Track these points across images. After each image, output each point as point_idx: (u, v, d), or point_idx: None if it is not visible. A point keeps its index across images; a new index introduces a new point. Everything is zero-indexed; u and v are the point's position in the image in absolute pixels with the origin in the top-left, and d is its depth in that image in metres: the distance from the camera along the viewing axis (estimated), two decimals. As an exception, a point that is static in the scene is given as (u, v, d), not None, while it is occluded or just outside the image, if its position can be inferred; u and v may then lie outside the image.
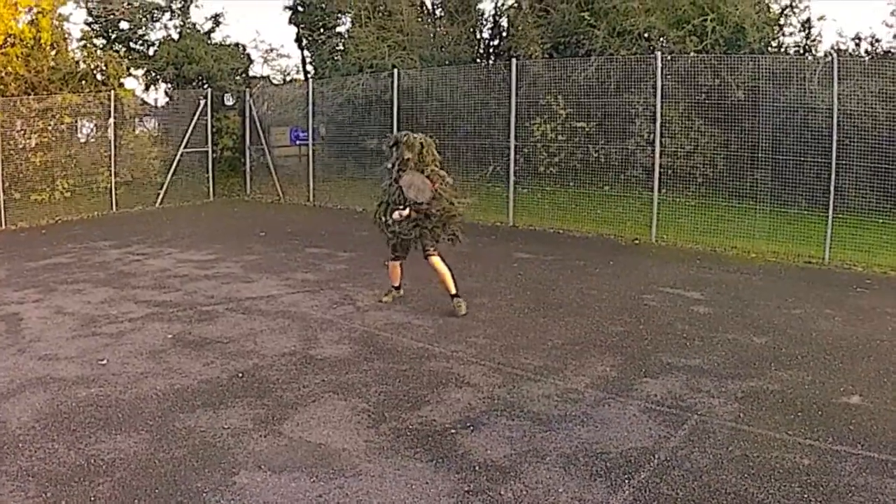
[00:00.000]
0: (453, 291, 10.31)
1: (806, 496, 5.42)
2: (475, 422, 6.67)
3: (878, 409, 7.10)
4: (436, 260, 10.29)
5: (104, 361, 8.11)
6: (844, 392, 7.51)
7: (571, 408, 7.04)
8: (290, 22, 30.32)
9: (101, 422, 6.53)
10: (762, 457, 6.04)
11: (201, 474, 5.62)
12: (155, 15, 26.76)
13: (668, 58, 17.31)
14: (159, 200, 21.61)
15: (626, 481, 5.60)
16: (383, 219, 10.37)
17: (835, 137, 14.17)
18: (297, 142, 25.45)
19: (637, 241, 16.01)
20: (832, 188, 14.16)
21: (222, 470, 5.69)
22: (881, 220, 14.67)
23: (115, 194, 20.45)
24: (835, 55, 15.82)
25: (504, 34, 27.16)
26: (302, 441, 6.23)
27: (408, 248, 10.52)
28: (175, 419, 6.62)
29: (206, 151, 22.98)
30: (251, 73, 28.10)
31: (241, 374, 7.79)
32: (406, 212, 9.98)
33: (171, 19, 27.15)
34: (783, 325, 9.85)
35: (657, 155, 16.24)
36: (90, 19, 25.88)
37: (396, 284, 10.91)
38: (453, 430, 6.47)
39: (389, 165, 10.32)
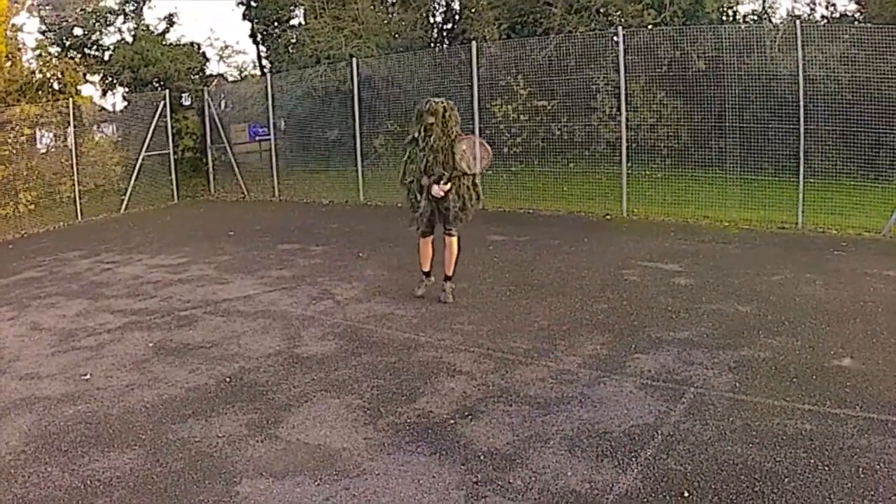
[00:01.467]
0: (450, 273, 10.20)
1: (813, 461, 5.42)
2: (473, 410, 6.61)
3: (870, 370, 7.13)
4: (455, 240, 10.17)
5: (87, 376, 7.93)
6: (836, 355, 7.54)
7: (567, 389, 7.01)
8: (243, 18, 30.19)
9: (93, 440, 6.37)
10: (764, 425, 6.04)
11: (202, 486, 5.49)
12: (108, 19, 26.44)
13: (627, 32, 17.27)
14: (124, 206, 21.37)
15: (633, 459, 5.58)
16: (419, 196, 9.99)
17: (801, 103, 14.23)
18: (256, 138, 25.34)
19: (608, 217, 16.04)
20: (801, 153, 14.23)
21: (223, 480, 5.57)
22: (851, 183, 14.77)
23: (80, 203, 20.19)
24: (797, 21, 15.83)
25: (458, 17, 27.11)
26: (300, 443, 6.13)
27: (434, 224, 10.19)
28: (167, 431, 6.48)
29: (168, 153, 22.73)
30: (207, 72, 27.90)
31: (228, 379, 7.66)
32: (448, 186, 9.69)
33: (124, 22, 26.86)
34: (766, 293, 9.89)
35: (624, 129, 16.26)
36: (44, 28, 25.59)
37: (427, 269, 10.46)
38: (452, 421, 6.41)
39: (416, 134, 9.84)
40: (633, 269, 11.49)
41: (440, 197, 9.75)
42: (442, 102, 9.74)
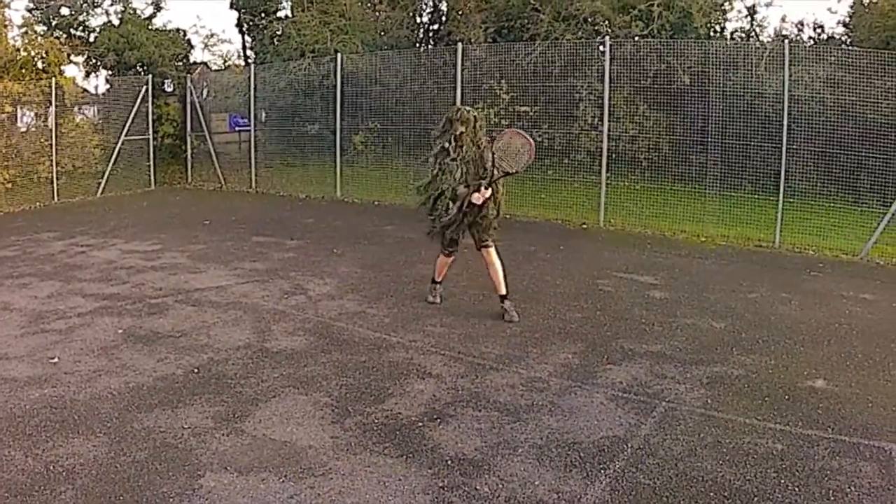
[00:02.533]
0: (505, 291, 9.54)
1: (783, 481, 5.40)
2: (442, 414, 6.55)
3: (843, 392, 7.12)
4: (494, 251, 9.54)
5: (55, 360, 7.82)
6: (808, 376, 7.53)
7: (538, 397, 6.95)
8: (231, 6, 30.04)
9: (58, 424, 6.27)
10: (735, 442, 6.01)
11: (166, 478, 5.40)
12: (96, 0, 26.27)
13: (614, 43, 17.26)
14: (101, 190, 21.17)
15: (602, 471, 5.53)
16: (451, 207, 9.11)
17: (785, 122, 14.25)
18: (237, 128, 25.24)
19: (585, 226, 16.01)
20: (782, 172, 14.25)
21: (187, 472, 5.48)
22: (830, 205, 14.81)
23: (57, 184, 19.99)
24: (786, 41, 15.86)
25: (444, 18, 27.10)
26: (266, 439, 6.05)
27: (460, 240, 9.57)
28: (133, 420, 6.38)
29: (147, 139, 22.54)
30: (192, 60, 27.73)
31: (196, 370, 7.57)
32: (489, 192, 8.96)
33: (111, 4, 26.62)
34: (741, 310, 9.88)
35: (605, 139, 16.25)
36: (31, 5, 25.35)
37: (440, 279, 10.10)
38: (420, 423, 6.34)
39: (446, 145, 9.11)
40: (609, 279, 11.45)
41: (479, 205, 9.05)
42: (472, 112, 9.23)
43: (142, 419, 6.40)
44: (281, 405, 6.73)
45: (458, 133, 9.04)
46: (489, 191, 8.95)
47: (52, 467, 5.53)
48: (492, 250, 9.45)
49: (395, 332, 8.83)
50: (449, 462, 5.68)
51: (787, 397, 6.95)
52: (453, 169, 9.08)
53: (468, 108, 9.36)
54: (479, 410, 6.63)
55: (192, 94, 23.73)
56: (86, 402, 6.75)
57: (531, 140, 8.85)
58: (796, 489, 5.30)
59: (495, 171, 8.91)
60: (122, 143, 21.82)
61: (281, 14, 29.15)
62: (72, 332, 8.73)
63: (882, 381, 7.48)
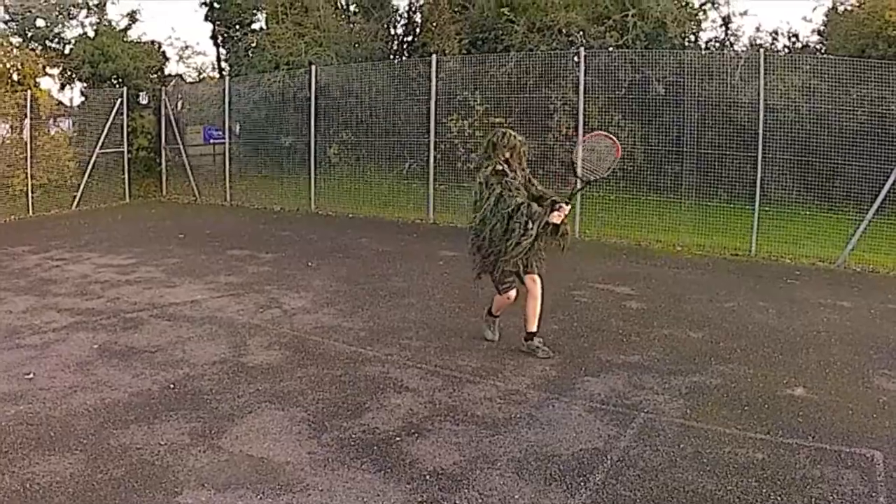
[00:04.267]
0: (534, 329, 8.52)
1: (765, 491, 5.37)
2: (419, 428, 6.48)
3: (823, 400, 7.11)
4: (539, 281, 8.54)
5: (31, 375, 7.71)
6: (788, 384, 7.51)
7: (516, 410, 6.90)
8: (205, 18, 29.99)
9: (34, 441, 6.17)
10: (715, 453, 5.97)
11: (143, 496, 5.32)
12: (72, 12, 26.10)
13: (589, 53, 17.28)
14: (75, 203, 21.03)
15: (582, 484, 5.47)
16: (529, 228, 7.98)
17: (760, 131, 14.29)
18: (211, 140, 25.13)
19: (561, 237, 15.94)
20: (758, 181, 14.28)
21: (164, 490, 5.40)
22: (806, 213, 14.85)
23: (32, 197, 19.86)
24: (760, 50, 15.89)
25: (419, 30, 27.10)
26: (243, 455, 5.96)
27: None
28: (109, 436, 6.28)
29: (122, 152, 22.38)
30: (167, 72, 27.61)
31: (172, 385, 7.48)
32: (568, 207, 8.18)
33: (87, 16, 26.45)
34: (718, 319, 9.87)
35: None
36: (6, 17, 25.18)
37: (500, 314, 9.03)
38: (398, 438, 6.27)
39: (498, 167, 8.10)
40: (584, 290, 11.43)
41: (557, 224, 8.12)
42: (516, 135, 8.25)
43: (118, 436, 6.30)
44: (257, 421, 6.64)
45: (505, 157, 8.13)
46: (569, 206, 8.22)
47: (28, 485, 5.45)
48: (537, 278, 8.48)
49: (370, 346, 8.76)
50: (427, 477, 5.61)
51: (766, 406, 6.93)
52: (518, 186, 8.12)
53: (513, 132, 8.31)
54: (456, 424, 6.57)
55: (166, 106, 23.61)
56: (61, 419, 6.65)
57: (616, 140, 8.30)
58: (778, 498, 5.27)
59: (578, 182, 8.58)
60: (97, 156, 21.68)
61: (256, 26, 29.20)
62: (47, 348, 8.62)
63: (862, 388, 7.48)
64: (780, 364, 8.14)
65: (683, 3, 21.90)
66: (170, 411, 6.84)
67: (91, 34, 25.95)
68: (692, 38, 23.10)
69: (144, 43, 26.66)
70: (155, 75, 26.07)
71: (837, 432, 6.38)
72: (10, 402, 7.02)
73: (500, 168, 8.11)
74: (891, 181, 13.23)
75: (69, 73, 25.33)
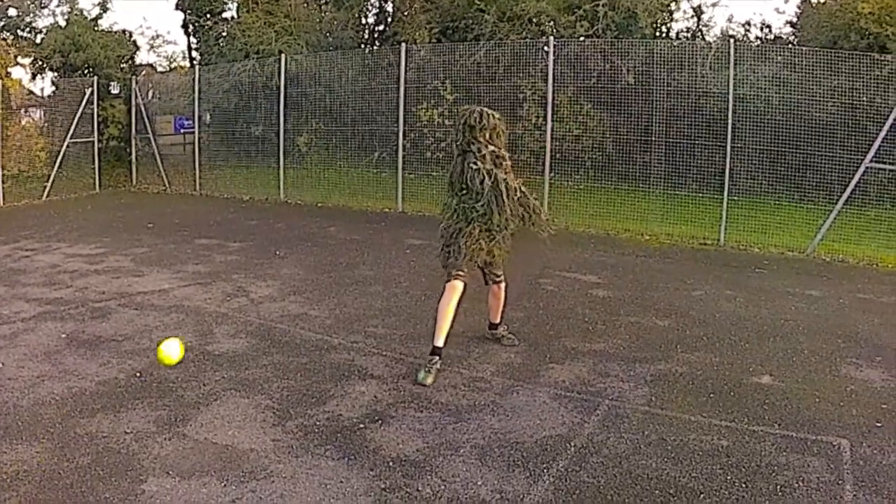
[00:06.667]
0: (497, 321, 8.48)
1: (729, 478, 5.33)
2: (383, 415, 6.42)
3: (789, 388, 7.09)
4: (503, 286, 8.36)
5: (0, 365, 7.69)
6: (754, 372, 7.49)
7: (480, 397, 6.84)
8: (176, 7, 29.64)
9: (1, 431, 6.09)
10: (679, 440, 5.93)
11: (108, 483, 5.25)
12: (43, 1, 25.92)
13: (558, 43, 17.26)
14: (46, 193, 20.84)
15: (545, 471, 5.42)
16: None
17: (730, 121, 14.29)
18: (182, 130, 25.02)
19: (529, 226, 15.91)
20: (727, 171, 14.28)
21: (129, 478, 5.33)
22: (775, 203, 14.89)
23: (2, 188, 19.70)
24: (731, 41, 15.91)
25: (390, 19, 27.01)
26: (208, 443, 5.90)
27: None
28: (76, 425, 6.20)
29: (92, 142, 22.20)
30: (138, 61, 27.46)
31: (138, 374, 7.38)
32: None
33: (58, 6, 26.31)
34: (685, 307, 9.84)
35: (549, 139, 16.22)
36: (-21, 7, 25.04)
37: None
38: (362, 425, 6.21)
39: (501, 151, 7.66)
40: (551, 278, 11.37)
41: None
42: (493, 113, 7.64)
43: (85, 424, 6.23)
44: (222, 408, 6.57)
45: (486, 136, 7.54)
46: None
47: (-5, 474, 5.37)
48: (503, 285, 8.33)
49: (336, 334, 8.69)
50: (391, 463, 5.55)
51: (732, 394, 6.90)
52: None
53: (489, 110, 7.65)
54: (420, 411, 6.51)
55: (137, 95, 23.42)
56: (29, 408, 6.57)
57: None
58: (743, 485, 5.23)
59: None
60: (68, 146, 21.52)
61: (227, 15, 28.95)
62: (15, 338, 8.51)
63: (829, 376, 7.46)
64: (747, 352, 8.11)
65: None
66: (136, 400, 6.75)
67: (62, 23, 25.80)
68: (664, 28, 23.12)
69: (115, 32, 26.58)
70: (126, 65, 26.00)
71: (804, 420, 6.35)
72: (-22, 391, 6.94)
73: (502, 153, 7.63)
74: (861, 171, 13.26)
75: (40, 62, 25.17)
